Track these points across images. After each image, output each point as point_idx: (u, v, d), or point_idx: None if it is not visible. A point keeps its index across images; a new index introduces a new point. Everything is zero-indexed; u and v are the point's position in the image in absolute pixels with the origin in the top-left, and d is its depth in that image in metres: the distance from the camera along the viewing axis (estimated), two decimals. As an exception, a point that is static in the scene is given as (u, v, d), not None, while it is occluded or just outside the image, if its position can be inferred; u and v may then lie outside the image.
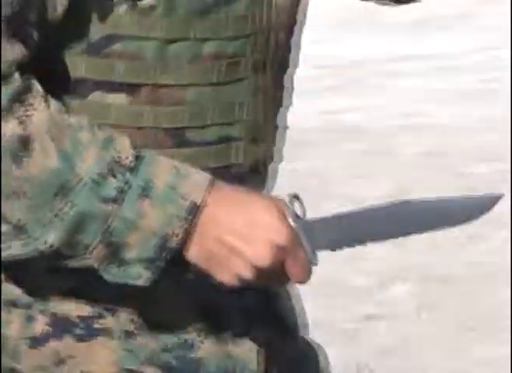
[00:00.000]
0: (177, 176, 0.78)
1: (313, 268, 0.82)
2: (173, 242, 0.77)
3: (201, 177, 0.78)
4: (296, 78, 0.99)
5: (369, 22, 7.52)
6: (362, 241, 0.82)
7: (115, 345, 0.86)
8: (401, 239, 0.87)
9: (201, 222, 0.77)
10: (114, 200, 0.76)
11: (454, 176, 4.49)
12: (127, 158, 0.77)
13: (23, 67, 0.76)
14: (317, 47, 6.40)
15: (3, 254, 0.78)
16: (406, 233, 0.83)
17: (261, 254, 0.77)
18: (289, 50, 0.93)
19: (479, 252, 3.87)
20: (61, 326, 0.85)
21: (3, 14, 0.75)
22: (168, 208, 0.76)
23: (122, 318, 0.86)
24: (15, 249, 0.78)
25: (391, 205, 0.83)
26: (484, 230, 3.72)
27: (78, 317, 0.85)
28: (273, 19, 0.87)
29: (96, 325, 0.85)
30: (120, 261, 0.78)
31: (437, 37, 7.44)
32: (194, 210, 0.77)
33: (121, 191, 0.76)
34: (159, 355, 0.86)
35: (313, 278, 0.82)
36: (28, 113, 0.76)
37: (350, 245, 0.81)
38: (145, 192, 0.76)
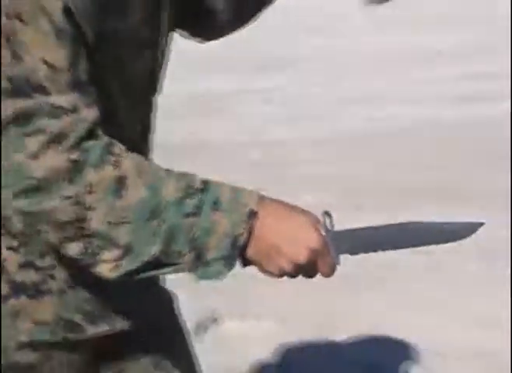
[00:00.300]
0: (235, 192, 1.04)
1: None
2: (241, 241, 1.03)
3: (252, 192, 1.06)
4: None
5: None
6: (375, 249, 1.11)
7: (55, 300, 1.15)
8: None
9: (257, 227, 1.03)
10: (194, 214, 1.02)
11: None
12: (197, 183, 1.03)
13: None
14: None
15: (115, 274, 1.02)
16: (408, 246, 1.12)
17: (300, 255, 1.05)
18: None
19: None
20: (18, 290, 1.15)
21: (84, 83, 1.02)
22: (234, 215, 1.02)
23: (60, 281, 1.15)
24: (126, 265, 1.02)
25: (399, 224, 1.12)
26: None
27: (31, 283, 1.14)
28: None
29: (42, 288, 1.15)
30: (204, 263, 1.04)
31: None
32: (252, 216, 1.03)
33: (198, 207, 1.02)
34: (84, 305, 1.18)
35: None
36: (119, 159, 1.01)
37: (365, 251, 1.10)
38: (215, 206, 1.02)
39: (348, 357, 2.84)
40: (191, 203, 1.02)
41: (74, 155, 0.98)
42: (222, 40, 1.40)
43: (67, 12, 0.97)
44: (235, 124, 6.30)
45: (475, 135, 5.61)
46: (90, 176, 0.99)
